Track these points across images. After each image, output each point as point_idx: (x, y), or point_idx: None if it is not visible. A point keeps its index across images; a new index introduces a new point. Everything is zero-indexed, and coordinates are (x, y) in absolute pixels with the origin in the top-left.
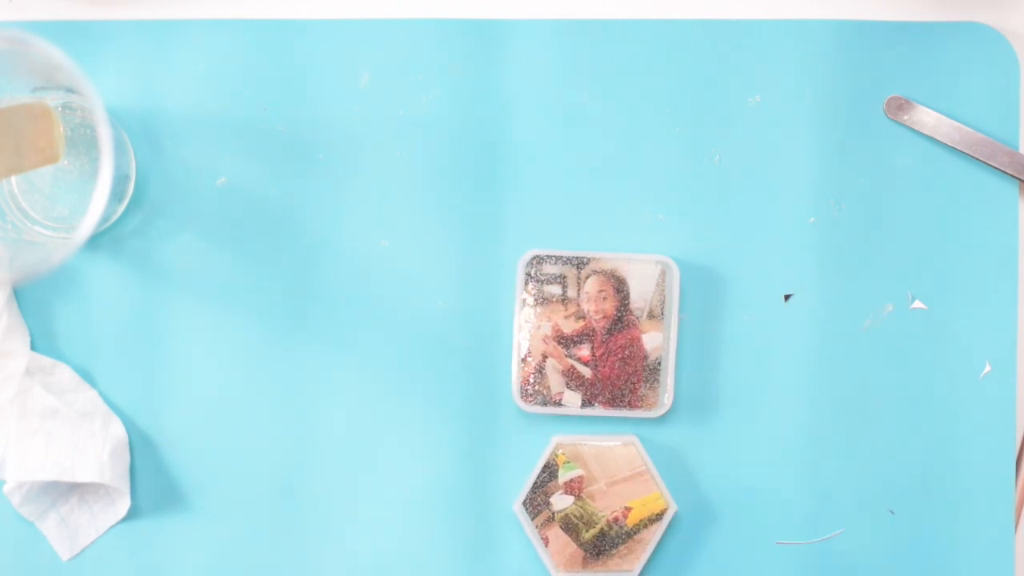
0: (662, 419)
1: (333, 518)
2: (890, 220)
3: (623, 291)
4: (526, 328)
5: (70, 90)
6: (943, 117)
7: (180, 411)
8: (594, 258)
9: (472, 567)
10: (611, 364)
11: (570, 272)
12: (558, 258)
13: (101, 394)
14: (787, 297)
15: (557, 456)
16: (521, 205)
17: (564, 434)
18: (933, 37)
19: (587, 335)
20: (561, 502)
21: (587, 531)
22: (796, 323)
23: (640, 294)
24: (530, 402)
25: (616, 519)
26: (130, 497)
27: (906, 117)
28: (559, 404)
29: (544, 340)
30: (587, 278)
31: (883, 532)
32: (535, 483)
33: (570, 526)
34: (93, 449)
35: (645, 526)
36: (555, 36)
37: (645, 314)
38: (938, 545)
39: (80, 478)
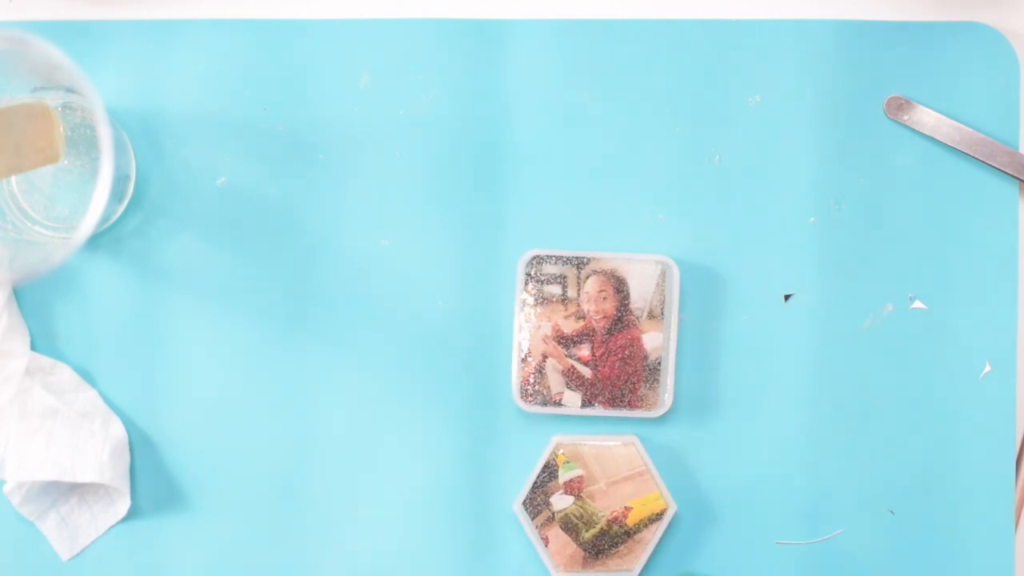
0: (662, 419)
1: (333, 518)
2: (890, 220)
3: (623, 291)
4: (526, 328)
5: (70, 90)
6: (943, 117)
7: (180, 411)
8: (594, 258)
9: (472, 567)
10: (611, 364)
11: (570, 272)
12: (558, 258)
13: (101, 394)
14: (787, 297)
15: (557, 456)
16: (521, 205)
17: (564, 434)
18: (933, 37)
19: (587, 335)
20: (561, 502)
21: (587, 531)
22: (796, 323)
23: (640, 294)
24: (530, 402)
25: (616, 519)
26: (130, 497)
27: (906, 117)
28: (559, 404)
29: (544, 340)
30: (587, 278)
31: (883, 532)
32: (535, 483)
33: (570, 526)
34: (93, 449)
35: (645, 526)
36: (555, 36)
37: (645, 314)
38: (938, 545)
39: (80, 478)
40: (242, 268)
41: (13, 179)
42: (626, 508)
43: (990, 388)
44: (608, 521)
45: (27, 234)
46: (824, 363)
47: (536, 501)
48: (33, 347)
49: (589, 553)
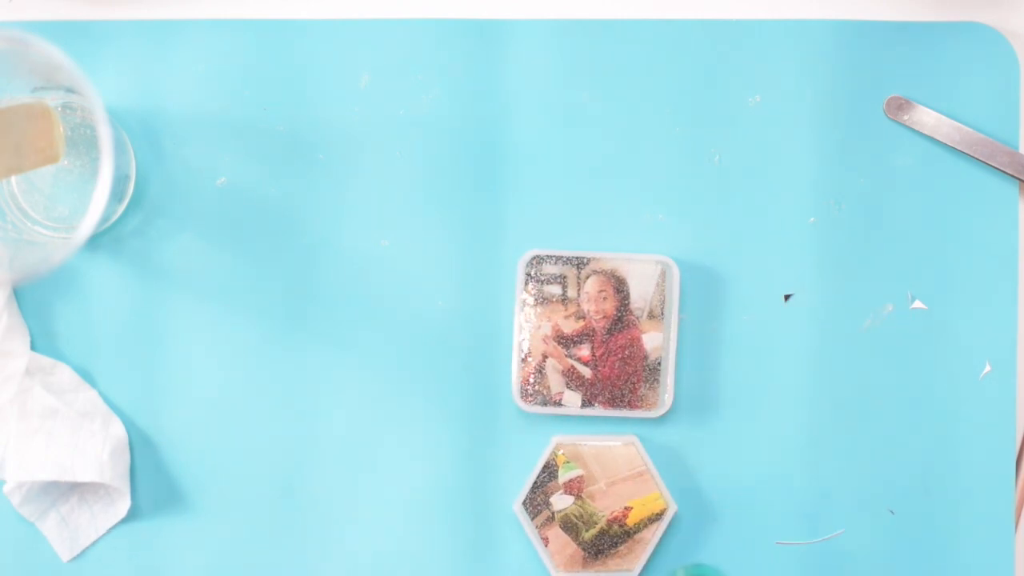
0: (662, 419)
1: (333, 518)
2: (890, 220)
3: (623, 291)
4: (526, 328)
5: (70, 90)
6: (943, 117)
7: (180, 411)
8: (594, 258)
9: (472, 567)
10: (611, 364)
11: (570, 272)
12: (558, 258)
13: (101, 394)
14: (787, 297)
15: (557, 456)
16: (521, 205)
17: (564, 434)
18: (933, 37)
19: (587, 335)
20: (561, 502)
21: (587, 531)
22: (796, 323)
23: (640, 294)
24: (530, 402)
25: (616, 519)
26: (130, 497)
27: (906, 117)
28: (559, 404)
29: (544, 340)
30: (587, 278)
31: (883, 532)
32: (535, 483)
33: (570, 526)
34: (93, 449)
35: (645, 526)
36: (555, 36)
37: (645, 314)
38: (938, 545)
39: (80, 478)
40: (242, 268)
41: (13, 179)
42: (626, 508)
43: (990, 388)
44: (608, 521)
45: (27, 234)
46: (824, 363)
47: (536, 501)
48: (33, 347)
49: (589, 553)
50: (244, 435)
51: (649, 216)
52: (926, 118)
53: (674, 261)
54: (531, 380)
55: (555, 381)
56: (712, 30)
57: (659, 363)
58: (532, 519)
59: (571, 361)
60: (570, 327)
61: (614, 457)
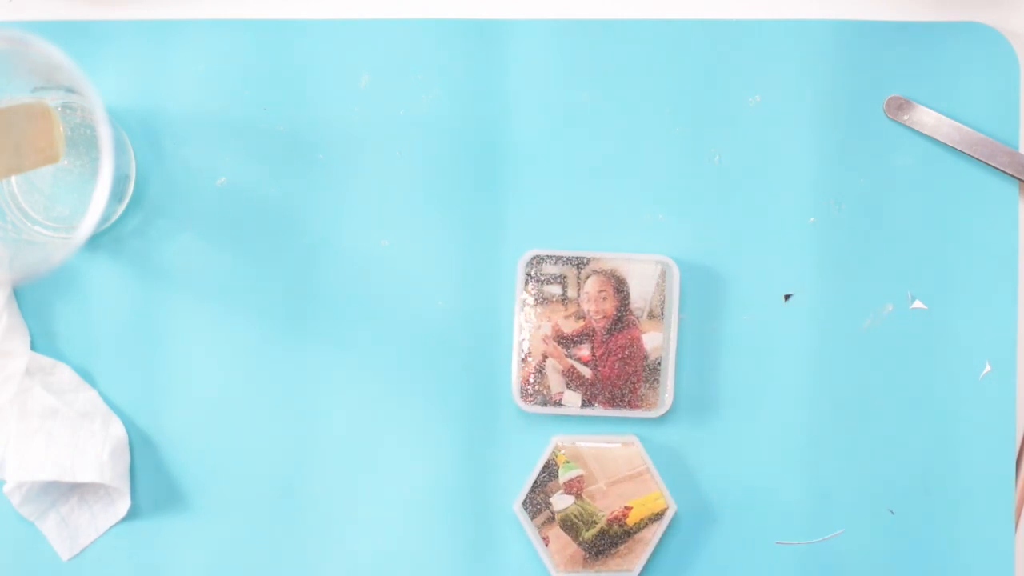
0: (662, 419)
1: (333, 518)
2: (890, 220)
3: (623, 291)
4: (526, 328)
5: (70, 90)
6: (943, 117)
7: (180, 411)
8: (594, 258)
9: (472, 567)
10: (611, 364)
11: (570, 272)
12: (558, 258)
13: (101, 394)
14: (787, 297)
15: (557, 456)
16: (521, 205)
17: (564, 434)
18: (933, 37)
19: (587, 335)
20: (561, 502)
21: (587, 531)
22: (796, 323)
23: (640, 294)
24: (530, 402)
25: (616, 519)
26: (130, 497)
27: (906, 117)
28: (559, 404)
29: (544, 340)
30: (587, 278)
31: (883, 532)
32: (535, 483)
33: (570, 526)
34: (93, 449)
35: (645, 526)
36: (555, 36)
37: (645, 314)
38: (938, 545)
39: (80, 478)
40: (242, 268)
41: (13, 179)
42: (626, 508)
43: (990, 388)
44: (608, 521)
45: (27, 234)
46: (824, 363)
47: (536, 501)
48: (33, 347)
49: (589, 553)
50: (244, 435)
51: (649, 216)
52: (926, 118)
53: (674, 261)
54: (531, 380)
55: (555, 381)
56: (712, 30)
57: (659, 363)
58: (532, 519)
59: (571, 361)
60: (570, 327)
61: (614, 457)
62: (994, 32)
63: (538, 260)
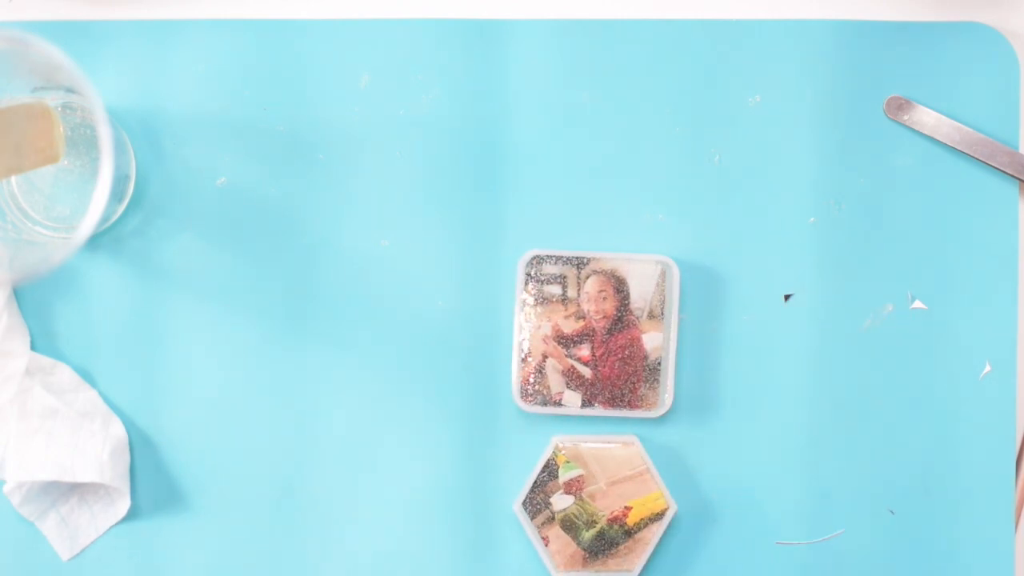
0: (662, 419)
1: (333, 518)
2: (890, 220)
3: (623, 291)
4: (526, 328)
5: (70, 90)
6: (943, 117)
7: (180, 411)
8: (594, 258)
9: (472, 567)
10: (611, 364)
11: (570, 272)
12: (558, 258)
13: (101, 394)
14: (787, 297)
15: (557, 456)
16: (521, 205)
17: (564, 434)
18: (933, 37)
19: (587, 335)
20: (561, 502)
21: (587, 531)
22: (796, 323)
23: (640, 294)
24: (530, 402)
25: (616, 519)
26: (130, 497)
27: (906, 117)
28: (559, 404)
29: (544, 340)
30: (587, 278)
31: (883, 532)
32: (535, 483)
33: (570, 526)
34: (93, 449)
35: (645, 526)
36: (555, 36)
37: (645, 314)
38: (938, 545)
39: (80, 478)
40: (242, 268)
41: (13, 179)
42: (626, 508)
43: (990, 388)
44: (608, 521)
45: (27, 234)
46: (824, 363)
47: (536, 501)
48: (33, 347)
49: (589, 553)
50: (244, 435)
51: (649, 216)
52: (926, 118)
53: (674, 261)
54: (531, 380)
55: (555, 381)
56: (712, 30)
57: (659, 363)
58: (532, 519)
59: (571, 361)
60: (570, 327)
61: (614, 457)
62: (994, 32)
63: (538, 260)
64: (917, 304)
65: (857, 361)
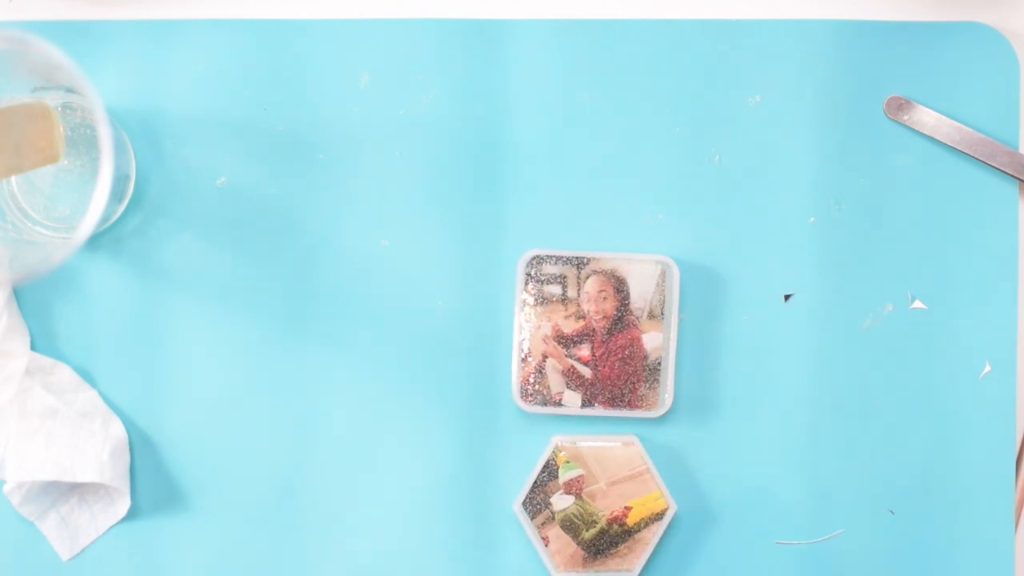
0: (662, 419)
1: (333, 518)
2: (890, 220)
3: (623, 291)
4: (526, 328)
5: (70, 90)
6: (943, 117)
7: (180, 411)
8: (594, 258)
9: (472, 567)
10: (611, 364)
11: (570, 272)
12: (558, 258)
13: (101, 394)
14: (787, 297)
15: (557, 456)
16: (521, 205)
17: (564, 434)
18: (933, 37)
19: (587, 335)
20: (561, 502)
21: (587, 531)
22: (796, 323)
23: (640, 294)
24: (530, 402)
25: (616, 519)
26: (130, 497)
27: (906, 117)
28: (559, 404)
29: (544, 340)
30: (587, 278)
31: (883, 532)
32: (535, 483)
33: (570, 526)
34: (93, 449)
35: (645, 526)
36: (555, 36)
37: (645, 314)
38: (938, 545)
39: (80, 478)
40: (242, 268)
41: (13, 179)
42: (626, 508)
43: (990, 388)
44: (608, 521)
45: (27, 234)
46: (824, 363)
47: (536, 501)
48: (33, 347)
49: (589, 553)
50: (244, 435)
51: (649, 216)
52: (926, 118)
53: (674, 261)
54: (531, 380)
55: (555, 381)
56: (712, 30)
57: (659, 363)
58: (532, 519)
59: (571, 361)
60: (570, 327)
61: (614, 457)
62: (994, 32)
63: (538, 260)
64: (917, 304)
65: (857, 361)
